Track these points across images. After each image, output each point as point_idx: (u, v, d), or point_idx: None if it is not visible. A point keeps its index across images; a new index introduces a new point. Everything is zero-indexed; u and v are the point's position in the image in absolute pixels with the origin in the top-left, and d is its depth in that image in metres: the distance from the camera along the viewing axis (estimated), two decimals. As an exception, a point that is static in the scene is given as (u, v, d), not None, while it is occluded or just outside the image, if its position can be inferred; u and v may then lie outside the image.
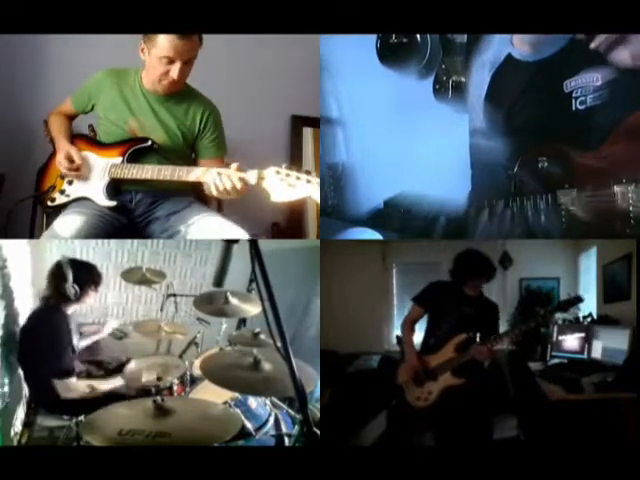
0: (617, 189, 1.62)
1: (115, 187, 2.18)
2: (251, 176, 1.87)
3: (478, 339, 2.06)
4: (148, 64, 2.10)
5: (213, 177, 1.92)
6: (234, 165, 1.93)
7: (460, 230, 1.93)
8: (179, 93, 2.18)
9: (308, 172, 1.79)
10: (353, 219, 2.24)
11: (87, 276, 2.14)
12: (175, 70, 2.04)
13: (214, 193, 1.95)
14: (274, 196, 1.80)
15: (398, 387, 2.10)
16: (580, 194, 1.68)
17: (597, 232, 1.69)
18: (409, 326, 2.21)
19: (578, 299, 2.14)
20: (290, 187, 1.78)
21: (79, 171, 2.17)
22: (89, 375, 2.21)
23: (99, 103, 2.23)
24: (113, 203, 2.14)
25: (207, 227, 2.11)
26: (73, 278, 2.08)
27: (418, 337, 2.24)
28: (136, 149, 2.16)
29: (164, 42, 1.98)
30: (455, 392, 2.01)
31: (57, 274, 2.09)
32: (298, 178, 1.78)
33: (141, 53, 2.08)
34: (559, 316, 3.01)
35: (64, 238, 2.08)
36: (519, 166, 1.78)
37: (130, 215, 2.22)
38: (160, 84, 2.10)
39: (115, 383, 2.17)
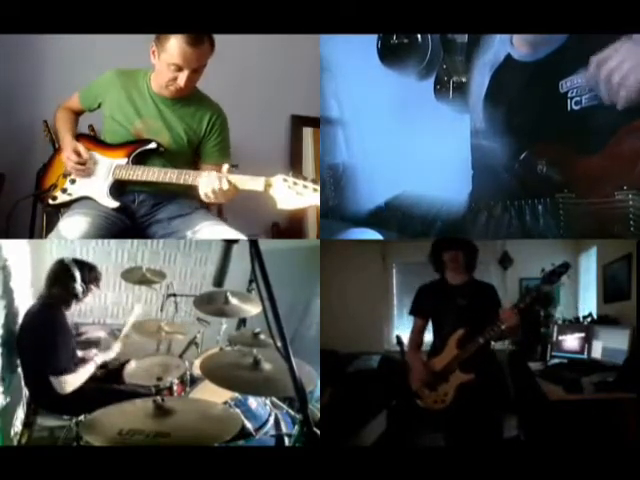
0: (617, 196, 1.61)
1: (119, 188, 2.17)
2: (258, 183, 1.87)
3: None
4: (157, 68, 2.09)
5: (204, 179, 1.95)
6: (225, 166, 1.95)
7: (461, 231, 1.93)
8: (187, 97, 2.18)
9: (315, 181, 1.82)
10: (354, 219, 2.23)
11: (90, 275, 2.17)
12: (182, 78, 2.04)
13: (202, 196, 1.97)
14: (281, 204, 1.83)
15: (415, 393, 2.07)
16: (579, 199, 1.67)
17: (595, 237, 1.68)
18: (414, 336, 2.19)
19: (565, 266, 1.94)
20: (298, 195, 1.80)
21: (85, 166, 2.17)
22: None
23: (106, 102, 2.22)
24: (116, 204, 2.14)
25: (214, 236, 2.11)
26: (80, 277, 2.11)
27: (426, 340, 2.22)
28: (141, 151, 2.16)
29: (174, 48, 1.97)
30: (469, 388, 1.98)
31: (64, 274, 2.11)
32: (305, 187, 1.81)
33: (152, 56, 2.07)
34: (559, 316, 3.03)
35: (71, 240, 2.09)
36: (518, 168, 1.77)
37: (133, 216, 2.21)
38: (167, 89, 2.11)
39: (107, 356, 2.21)
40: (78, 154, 2.16)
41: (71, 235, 2.03)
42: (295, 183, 1.81)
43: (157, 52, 2.04)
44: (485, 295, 2.11)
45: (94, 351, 2.30)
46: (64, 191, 2.22)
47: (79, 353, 2.22)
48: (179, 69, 2.02)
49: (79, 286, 2.11)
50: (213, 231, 2.13)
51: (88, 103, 2.31)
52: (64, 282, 2.10)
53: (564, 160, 1.70)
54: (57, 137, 2.42)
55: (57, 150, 2.38)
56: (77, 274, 2.11)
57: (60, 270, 2.13)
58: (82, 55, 2.96)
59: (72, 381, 1.97)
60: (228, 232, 2.12)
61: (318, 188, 1.80)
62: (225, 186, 1.90)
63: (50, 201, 2.24)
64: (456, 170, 2.04)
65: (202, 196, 1.97)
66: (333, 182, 2.30)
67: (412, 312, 2.22)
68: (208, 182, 1.93)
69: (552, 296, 3.27)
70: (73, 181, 2.22)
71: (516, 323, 1.91)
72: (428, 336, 2.21)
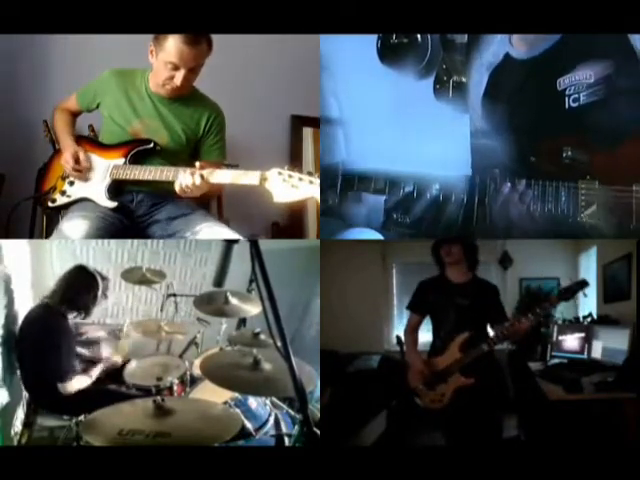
0: (635, 187, 1.62)
1: (117, 188, 2.17)
2: (254, 178, 1.88)
3: (490, 330, 2.00)
4: (155, 67, 2.10)
5: (180, 175, 1.98)
6: (198, 163, 2.00)
7: (462, 226, 1.91)
8: (186, 96, 2.19)
9: (310, 173, 1.82)
10: (353, 219, 2.23)
11: (104, 284, 2.20)
12: (179, 77, 2.04)
13: (177, 191, 2.00)
14: (277, 197, 1.83)
15: (412, 391, 2.06)
16: (601, 186, 1.66)
17: (614, 226, 1.67)
18: (410, 333, 2.18)
19: (581, 284, 1.93)
20: (293, 188, 1.80)
21: (83, 172, 2.17)
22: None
23: (104, 102, 2.23)
24: (114, 204, 2.14)
25: (214, 237, 2.12)
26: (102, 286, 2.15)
27: (426, 340, 2.20)
28: (139, 150, 2.16)
29: (171, 47, 1.99)
30: (467, 392, 1.96)
31: (88, 281, 2.14)
32: (301, 179, 1.80)
33: (150, 55, 2.08)
34: (559, 316, 3.03)
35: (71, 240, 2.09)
36: (543, 153, 1.75)
37: (131, 216, 2.22)
38: (164, 88, 2.12)
39: (111, 364, 2.21)
40: (77, 160, 2.16)
41: (72, 237, 2.03)
42: (290, 176, 1.82)
43: (155, 51, 2.05)
44: (488, 296, 2.09)
45: (101, 352, 2.30)
46: (63, 193, 2.22)
47: (86, 352, 2.23)
48: (176, 68, 2.03)
49: (99, 297, 2.12)
50: (213, 232, 2.13)
51: (86, 104, 2.31)
52: (87, 291, 2.11)
53: (588, 149, 1.69)
54: (57, 139, 2.41)
55: (56, 152, 2.38)
56: (100, 285, 2.12)
57: (86, 278, 2.14)
58: (82, 55, 2.96)
59: (76, 384, 1.98)
60: (228, 234, 2.12)
61: (314, 180, 1.79)
62: (198, 181, 1.94)
63: (49, 204, 2.24)
64: (456, 169, 2.04)
65: (177, 190, 2.00)
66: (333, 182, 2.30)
67: (410, 307, 2.20)
68: (184, 178, 1.97)
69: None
70: (72, 183, 2.22)
71: (525, 334, 1.92)
72: (426, 336, 2.20)
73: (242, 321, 2.64)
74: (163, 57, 2.02)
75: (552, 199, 1.71)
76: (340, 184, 1.90)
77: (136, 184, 2.17)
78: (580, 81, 1.66)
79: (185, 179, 1.96)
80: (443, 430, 2.03)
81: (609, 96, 1.65)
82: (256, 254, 1.15)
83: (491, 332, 2.02)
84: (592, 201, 1.67)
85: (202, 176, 1.95)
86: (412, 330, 2.19)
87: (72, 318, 2.11)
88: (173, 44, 1.98)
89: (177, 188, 2.00)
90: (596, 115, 1.65)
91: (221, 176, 1.97)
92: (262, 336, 2.20)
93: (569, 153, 1.70)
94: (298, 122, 3.64)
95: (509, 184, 1.74)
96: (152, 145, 2.16)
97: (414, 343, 2.18)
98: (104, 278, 2.20)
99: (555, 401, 2.10)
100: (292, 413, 2.10)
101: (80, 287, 2.11)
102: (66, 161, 2.17)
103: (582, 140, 1.69)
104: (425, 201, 1.88)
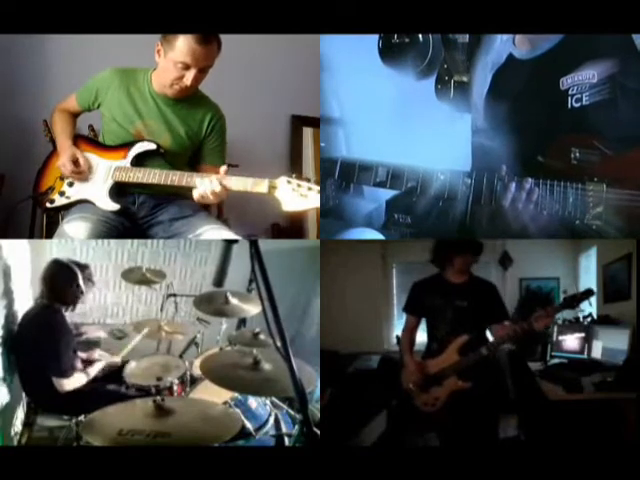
0: None
1: (118, 190, 2.15)
2: (262, 186, 1.89)
3: (489, 334, 1.99)
4: (162, 66, 2.06)
5: (199, 182, 1.96)
6: (223, 168, 1.97)
7: (468, 225, 1.90)
8: (189, 97, 2.17)
9: (318, 182, 1.84)
10: (353, 219, 2.23)
11: (85, 273, 2.17)
12: (189, 77, 2.01)
13: (195, 197, 1.98)
14: (286, 206, 1.85)
15: (405, 392, 2.04)
16: (609, 189, 1.66)
17: (620, 230, 1.67)
18: (407, 334, 2.16)
19: (588, 293, 1.88)
20: (302, 197, 1.83)
21: (82, 175, 2.16)
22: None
23: (105, 102, 2.19)
24: (117, 207, 2.11)
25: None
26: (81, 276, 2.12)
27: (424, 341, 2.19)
28: (141, 152, 2.13)
29: (182, 47, 1.95)
30: (463, 395, 1.94)
31: (67, 274, 2.11)
32: (310, 189, 1.83)
33: (156, 55, 2.05)
34: (559, 316, 3.02)
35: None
36: (551, 153, 1.74)
37: (133, 217, 2.20)
38: (171, 88, 2.08)
39: (109, 363, 2.21)
40: (76, 163, 2.14)
41: (74, 238, 2.03)
42: (299, 185, 1.84)
43: (163, 50, 2.01)
44: (486, 295, 2.06)
45: (98, 352, 2.29)
46: (62, 194, 2.18)
47: (82, 355, 2.22)
48: (186, 67, 2.00)
49: (82, 287, 2.12)
50: (216, 235, 2.12)
51: (87, 103, 2.27)
52: (69, 282, 2.10)
53: (598, 151, 1.68)
54: (55, 140, 2.38)
55: (54, 151, 2.35)
56: (79, 273, 2.12)
57: (62, 270, 2.12)
58: (82, 55, 2.96)
59: (73, 382, 1.98)
60: (230, 237, 2.11)
61: None
62: (217, 188, 1.93)
63: (48, 204, 2.20)
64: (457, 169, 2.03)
65: (196, 197, 1.99)
66: (333, 182, 2.30)
67: (406, 309, 2.18)
68: (202, 184, 1.95)
69: (552, 297, 3.29)
70: (71, 184, 2.18)
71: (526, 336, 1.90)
72: (424, 336, 2.19)
73: (242, 321, 2.65)
74: (173, 57, 1.98)
75: (560, 199, 1.70)
76: (339, 172, 1.87)
77: (137, 186, 2.16)
78: (583, 81, 1.66)
79: (204, 186, 1.94)
80: (437, 433, 2.02)
81: (613, 97, 1.65)
82: (256, 254, 1.15)
83: (490, 337, 2.00)
84: (599, 204, 1.66)
85: (220, 183, 1.93)
86: (409, 332, 2.17)
87: (67, 312, 2.11)
88: (185, 43, 1.95)
89: (196, 196, 1.98)
90: (599, 116, 1.65)
91: (233, 184, 1.96)
92: (262, 336, 2.21)
93: (577, 154, 1.70)
94: (298, 122, 3.64)
95: (515, 183, 1.72)
96: (155, 147, 2.14)
97: (410, 344, 2.16)
98: (82, 266, 2.17)
99: (555, 401, 2.10)
100: (292, 413, 2.10)
101: (60, 280, 2.11)
102: (63, 165, 2.13)
103: (586, 141, 1.69)
104: (429, 197, 1.85)
